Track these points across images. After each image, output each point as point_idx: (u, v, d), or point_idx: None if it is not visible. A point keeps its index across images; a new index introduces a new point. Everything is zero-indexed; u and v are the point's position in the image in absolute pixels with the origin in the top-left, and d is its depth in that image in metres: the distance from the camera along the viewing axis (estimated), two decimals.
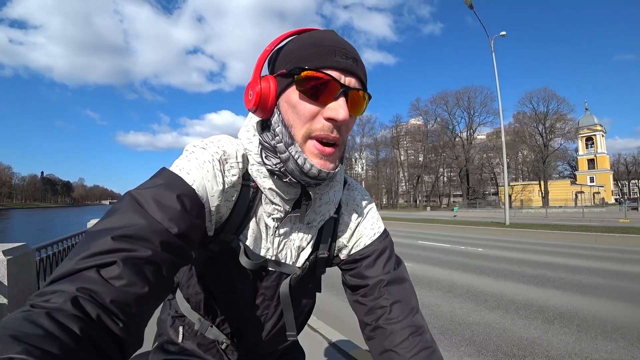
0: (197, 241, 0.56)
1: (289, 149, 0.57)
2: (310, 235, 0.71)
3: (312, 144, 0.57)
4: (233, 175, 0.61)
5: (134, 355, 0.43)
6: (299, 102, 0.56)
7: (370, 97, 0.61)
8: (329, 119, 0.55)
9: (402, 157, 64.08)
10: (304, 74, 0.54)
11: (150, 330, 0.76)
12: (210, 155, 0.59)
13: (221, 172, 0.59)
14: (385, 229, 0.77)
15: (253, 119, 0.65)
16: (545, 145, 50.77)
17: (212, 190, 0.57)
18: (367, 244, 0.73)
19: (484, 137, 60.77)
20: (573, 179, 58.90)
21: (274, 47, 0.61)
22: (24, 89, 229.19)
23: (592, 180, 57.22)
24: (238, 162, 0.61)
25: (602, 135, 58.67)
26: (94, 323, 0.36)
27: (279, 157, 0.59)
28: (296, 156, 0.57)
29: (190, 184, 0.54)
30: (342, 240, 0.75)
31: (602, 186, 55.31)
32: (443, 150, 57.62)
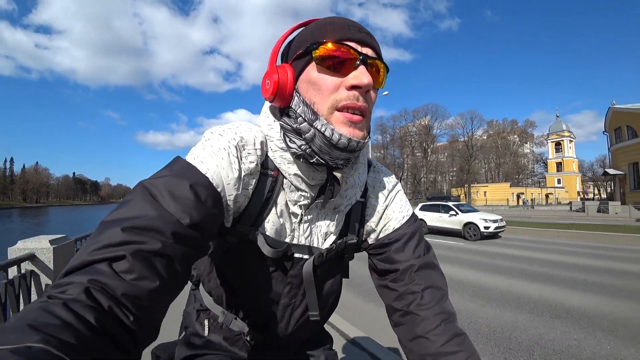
0: (213, 232, 0.51)
1: (314, 124, 0.51)
2: (337, 221, 0.64)
3: (339, 114, 0.51)
4: (251, 162, 0.54)
5: (158, 345, 0.39)
6: (319, 77, 0.51)
7: (388, 70, 0.56)
8: (352, 87, 0.51)
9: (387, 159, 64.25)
10: (321, 47, 0.50)
11: (177, 319, 0.76)
12: (227, 142, 0.53)
13: (237, 158, 0.53)
14: (414, 213, 0.70)
15: (271, 107, 0.60)
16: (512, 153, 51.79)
17: (227, 178, 0.51)
18: (396, 228, 0.66)
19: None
20: (543, 180, 59.44)
21: (286, 38, 0.57)
22: (50, 91, 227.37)
23: (559, 182, 57.34)
24: (256, 149, 0.55)
25: (570, 141, 58.76)
26: (107, 314, 0.34)
27: (304, 138, 0.53)
28: (323, 129, 0.51)
29: (204, 172, 0.49)
30: (371, 224, 0.68)
31: (562, 188, 55.35)
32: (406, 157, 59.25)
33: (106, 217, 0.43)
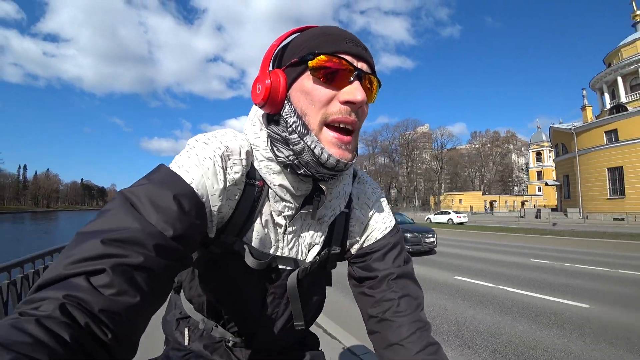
0: (196, 243, 0.48)
1: (304, 138, 0.50)
2: (321, 232, 0.63)
3: (329, 133, 0.50)
4: (236, 172, 0.52)
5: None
6: (313, 87, 0.50)
7: (380, 85, 0.55)
8: (346, 102, 0.50)
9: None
10: (318, 58, 0.49)
11: (158, 333, 0.76)
12: (212, 151, 0.51)
13: (223, 169, 0.51)
14: (396, 224, 0.70)
15: (258, 112, 0.58)
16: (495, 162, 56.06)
17: (212, 189, 0.49)
18: (378, 238, 0.66)
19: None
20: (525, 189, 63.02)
21: (280, 43, 0.54)
22: (57, 98, 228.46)
23: (539, 189, 60.59)
24: (242, 159, 0.53)
25: (550, 150, 62.16)
26: (83, 331, 0.32)
27: (292, 149, 0.51)
28: (312, 146, 0.50)
29: (188, 182, 0.47)
30: (354, 235, 0.67)
31: (540, 195, 58.68)
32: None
33: (83, 227, 0.40)
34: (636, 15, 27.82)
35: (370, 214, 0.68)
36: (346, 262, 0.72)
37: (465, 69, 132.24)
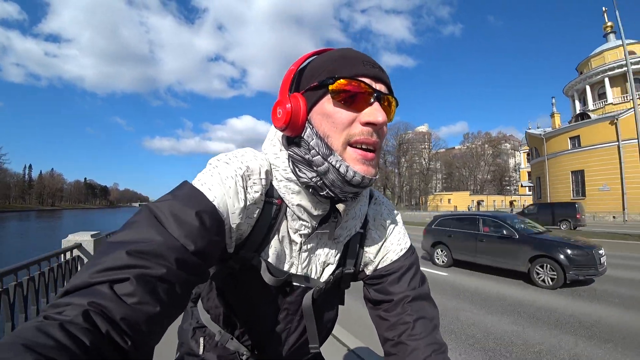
0: (214, 259, 0.51)
1: (329, 159, 0.52)
2: (336, 251, 0.64)
3: (352, 151, 0.52)
4: (256, 192, 0.54)
5: None
6: (334, 110, 0.52)
7: (398, 104, 0.57)
8: (367, 124, 0.51)
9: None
10: (338, 82, 0.50)
11: (174, 339, 0.76)
12: (234, 171, 0.53)
13: (244, 188, 0.53)
14: (411, 245, 0.70)
15: (278, 133, 0.59)
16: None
17: (233, 207, 0.51)
18: (393, 260, 0.66)
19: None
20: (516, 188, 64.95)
21: (298, 67, 0.56)
22: (59, 98, 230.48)
23: (529, 189, 62.25)
24: (261, 179, 0.55)
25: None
26: (104, 338, 0.34)
27: (316, 171, 0.53)
28: (337, 165, 0.51)
29: (211, 200, 0.49)
30: (369, 255, 0.68)
31: (530, 195, 60.48)
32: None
33: (111, 237, 0.43)
34: (607, 27, 29.58)
35: (386, 235, 0.69)
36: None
37: (467, 67, 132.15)
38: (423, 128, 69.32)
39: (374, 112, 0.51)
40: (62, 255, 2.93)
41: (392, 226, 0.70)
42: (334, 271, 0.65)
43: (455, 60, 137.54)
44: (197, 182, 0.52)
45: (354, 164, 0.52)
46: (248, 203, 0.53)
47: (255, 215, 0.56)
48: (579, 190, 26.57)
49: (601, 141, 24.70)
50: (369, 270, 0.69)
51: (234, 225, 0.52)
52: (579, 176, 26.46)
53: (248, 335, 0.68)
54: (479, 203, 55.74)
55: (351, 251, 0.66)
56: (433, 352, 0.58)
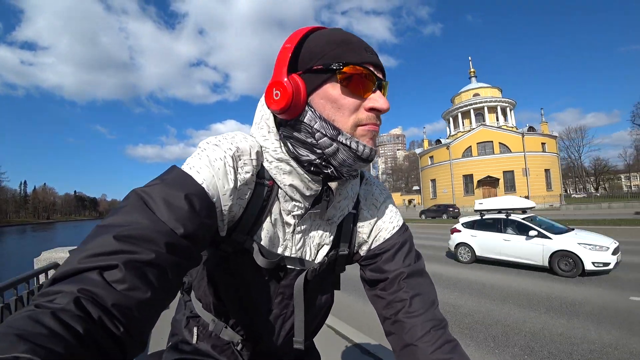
0: (206, 242, 0.50)
1: (338, 138, 0.52)
2: (329, 232, 0.64)
3: (361, 128, 0.53)
4: (246, 172, 0.53)
5: (143, 354, 0.41)
6: (341, 96, 0.51)
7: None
8: (372, 109, 0.52)
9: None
10: (346, 68, 0.50)
11: (166, 329, 0.76)
12: (223, 152, 0.52)
13: (233, 169, 0.52)
14: (404, 223, 0.70)
15: (264, 116, 0.57)
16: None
17: (223, 189, 0.50)
18: (386, 238, 0.66)
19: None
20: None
21: (294, 46, 0.53)
22: (37, 108, 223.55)
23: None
24: (252, 159, 0.54)
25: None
26: (97, 325, 0.33)
27: (323, 153, 0.53)
28: (348, 142, 0.52)
29: (200, 182, 0.48)
30: (362, 235, 0.67)
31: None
32: None
33: (100, 222, 0.42)
34: (471, 71, 41.07)
35: (378, 214, 0.68)
36: (357, 265, 0.72)
37: (448, 66, 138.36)
38: (397, 131, 76.10)
39: (379, 99, 0.52)
40: (35, 279, 2.25)
41: (383, 205, 0.70)
42: (328, 252, 0.64)
43: (437, 59, 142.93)
44: (185, 166, 0.51)
45: (364, 139, 0.53)
46: (239, 184, 0.53)
47: (246, 197, 0.55)
48: (435, 192, 38.26)
49: (443, 160, 36.83)
50: (363, 251, 0.69)
51: (225, 207, 0.52)
52: (435, 183, 38.36)
53: (242, 323, 0.67)
54: (410, 202, 66.30)
55: (345, 232, 0.66)
56: (432, 328, 0.58)
